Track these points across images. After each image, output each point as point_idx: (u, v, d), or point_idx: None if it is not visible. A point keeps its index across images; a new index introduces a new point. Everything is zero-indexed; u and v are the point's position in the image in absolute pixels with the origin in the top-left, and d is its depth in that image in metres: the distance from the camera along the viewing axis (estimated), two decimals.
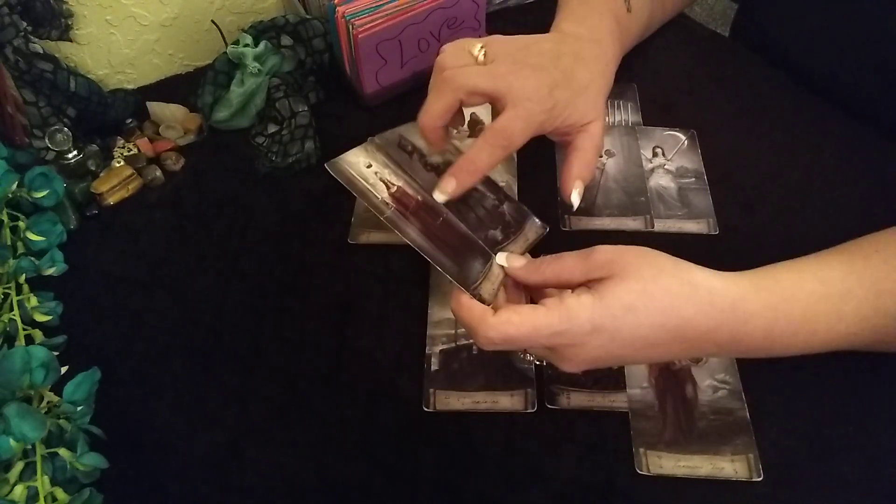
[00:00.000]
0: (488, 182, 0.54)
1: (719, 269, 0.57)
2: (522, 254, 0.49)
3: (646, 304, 0.40)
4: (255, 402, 0.52)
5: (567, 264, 0.43)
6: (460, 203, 0.50)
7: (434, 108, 0.49)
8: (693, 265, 0.43)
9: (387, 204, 0.48)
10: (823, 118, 0.67)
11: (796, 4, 0.71)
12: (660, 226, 0.60)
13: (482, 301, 0.43)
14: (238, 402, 0.52)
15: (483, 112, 0.69)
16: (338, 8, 0.64)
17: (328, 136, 0.67)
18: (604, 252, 0.42)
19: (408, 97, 0.71)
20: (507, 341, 0.42)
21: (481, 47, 0.50)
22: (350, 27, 0.63)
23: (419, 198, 0.49)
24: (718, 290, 0.42)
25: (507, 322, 0.41)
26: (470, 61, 0.50)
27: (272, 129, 0.67)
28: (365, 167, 0.49)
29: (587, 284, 0.42)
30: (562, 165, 0.53)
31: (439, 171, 0.50)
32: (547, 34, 0.55)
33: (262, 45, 0.67)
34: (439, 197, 0.49)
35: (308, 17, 0.71)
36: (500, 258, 0.47)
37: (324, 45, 0.70)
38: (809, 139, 0.66)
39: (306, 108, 0.65)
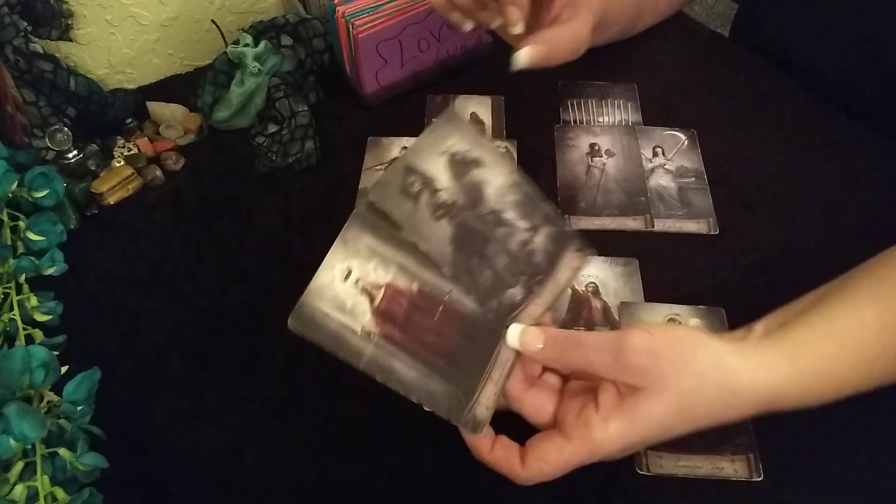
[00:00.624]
0: (527, 202, 0.44)
1: (719, 269, 0.57)
2: (549, 307, 0.43)
3: (683, 420, 0.39)
4: (255, 402, 0.52)
5: (593, 359, 0.39)
6: (477, 256, 0.42)
7: None
8: (733, 355, 0.40)
9: (369, 335, 0.40)
10: (823, 118, 0.67)
11: (796, 4, 0.71)
12: (660, 225, 0.60)
13: (476, 426, 0.40)
14: (238, 402, 0.52)
15: (483, 111, 0.69)
16: (338, 8, 0.64)
17: (328, 136, 0.67)
18: (636, 356, 0.38)
19: (408, 97, 0.71)
20: (540, 482, 0.41)
21: None
22: (350, 27, 0.63)
23: (414, 289, 0.41)
24: (759, 388, 0.40)
25: (537, 472, 0.40)
26: None
27: (272, 129, 0.67)
28: (342, 281, 0.41)
29: (615, 387, 0.39)
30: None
31: (451, 213, 0.43)
32: None
33: (262, 45, 0.67)
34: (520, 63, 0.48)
35: (308, 17, 0.71)
36: (513, 338, 0.41)
37: (324, 45, 0.70)
38: (809, 139, 0.66)
39: (306, 108, 0.65)
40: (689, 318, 0.53)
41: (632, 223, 0.60)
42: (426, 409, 0.40)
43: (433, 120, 0.44)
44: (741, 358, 0.40)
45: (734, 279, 0.56)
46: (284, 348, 0.54)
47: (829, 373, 0.41)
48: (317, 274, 0.41)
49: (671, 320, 0.53)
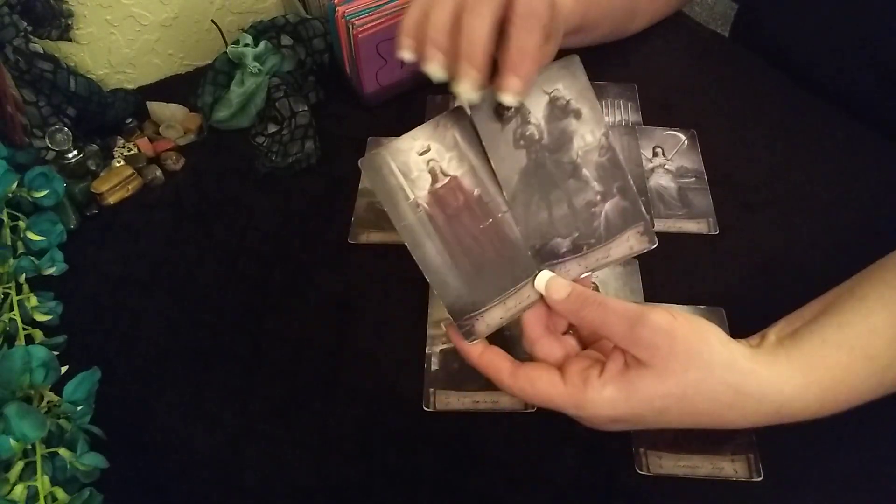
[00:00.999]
0: (610, 168, 0.44)
1: (719, 269, 0.57)
2: (590, 273, 0.44)
3: (681, 409, 0.39)
4: (255, 402, 0.52)
5: (610, 322, 0.40)
6: (540, 196, 0.43)
7: (483, 29, 0.40)
8: (748, 359, 0.39)
9: (417, 207, 0.41)
10: (823, 118, 0.67)
11: (796, 4, 0.71)
12: (660, 225, 0.60)
13: (469, 334, 0.41)
14: (238, 402, 0.52)
15: None
16: (338, 8, 0.64)
17: (328, 136, 0.67)
18: (653, 332, 0.38)
19: (408, 97, 0.71)
20: (520, 398, 0.41)
21: None
22: (350, 27, 0.63)
23: (475, 193, 0.42)
24: (767, 395, 0.39)
25: (520, 389, 0.40)
26: None
27: (272, 129, 0.67)
28: (418, 153, 0.42)
29: (624, 357, 0.40)
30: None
31: (531, 146, 0.43)
32: None
33: (262, 45, 0.67)
34: (508, 100, 0.41)
35: (308, 17, 0.71)
36: (540, 281, 0.42)
37: (324, 45, 0.70)
38: (809, 139, 0.66)
39: (306, 108, 0.65)
40: None
41: None
42: (434, 292, 0.41)
43: (554, 63, 0.44)
44: (754, 363, 0.40)
45: (734, 279, 0.56)
46: (284, 348, 0.54)
47: (841, 383, 0.41)
48: (400, 137, 0.42)
49: None
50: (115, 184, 0.63)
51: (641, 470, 0.47)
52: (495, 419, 0.50)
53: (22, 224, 0.58)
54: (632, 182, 0.44)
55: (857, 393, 0.42)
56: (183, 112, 0.69)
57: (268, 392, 0.52)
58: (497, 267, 0.42)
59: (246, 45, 0.66)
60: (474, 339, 0.42)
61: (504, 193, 0.42)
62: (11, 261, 0.55)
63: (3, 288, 0.54)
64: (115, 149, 0.67)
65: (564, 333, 0.44)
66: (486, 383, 0.51)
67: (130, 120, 0.68)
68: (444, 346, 0.53)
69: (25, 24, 0.60)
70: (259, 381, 0.53)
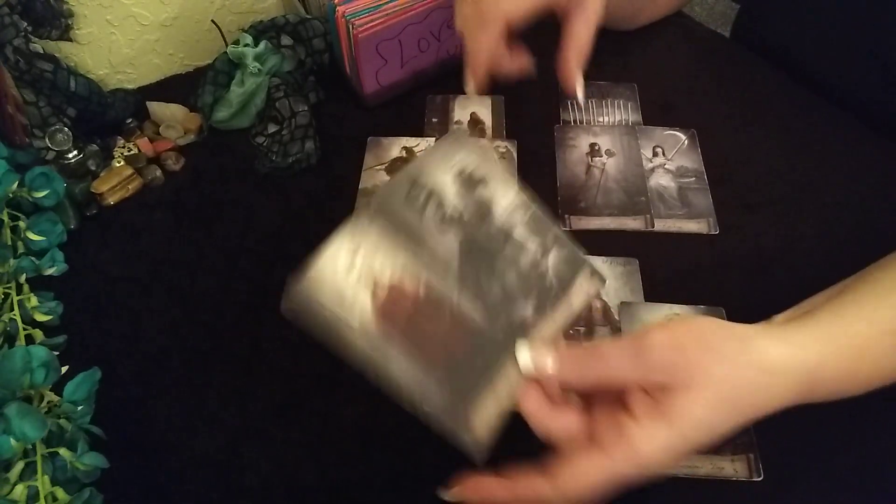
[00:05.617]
0: (537, 222, 0.42)
1: (719, 269, 0.57)
2: (566, 331, 0.41)
3: (728, 413, 0.36)
4: (255, 402, 0.52)
5: (614, 365, 0.36)
6: (485, 270, 0.40)
7: (481, 44, 0.50)
8: (760, 335, 0.37)
9: (366, 333, 0.37)
10: (823, 118, 0.67)
11: (797, 4, 0.71)
12: (660, 225, 0.60)
13: (476, 447, 0.38)
14: (238, 402, 0.52)
15: (483, 111, 0.69)
16: (338, 8, 0.64)
17: (328, 136, 0.67)
18: (661, 351, 0.36)
19: (408, 97, 0.71)
20: (579, 502, 0.36)
21: None
22: (350, 27, 0.63)
23: (421, 291, 0.39)
24: (795, 366, 0.37)
25: (572, 488, 0.35)
26: None
27: (272, 129, 0.67)
28: (345, 269, 0.38)
29: (646, 390, 0.36)
30: (557, 54, 0.52)
31: (457, 226, 0.41)
32: None
33: (262, 45, 0.67)
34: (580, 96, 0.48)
35: (308, 17, 0.71)
36: (524, 359, 0.38)
37: (324, 45, 0.70)
38: (809, 139, 0.66)
39: (306, 108, 0.65)
40: None
41: (632, 223, 0.60)
42: (421, 411, 0.38)
43: (442, 139, 0.44)
44: (768, 339, 0.37)
45: (734, 279, 0.57)
46: (284, 348, 0.54)
47: (865, 353, 0.39)
48: (318, 263, 0.37)
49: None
50: (115, 184, 0.63)
51: None
52: None
53: (22, 224, 0.58)
54: (562, 230, 0.43)
55: (880, 367, 0.40)
56: (183, 112, 0.69)
57: (268, 392, 0.52)
58: (472, 358, 0.39)
59: (246, 45, 0.66)
60: (483, 449, 0.38)
61: (449, 279, 0.39)
62: (11, 261, 0.55)
63: (4, 288, 0.54)
64: (115, 149, 0.67)
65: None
66: None
67: (130, 120, 0.68)
68: None
69: (25, 24, 0.60)
70: (259, 381, 0.53)
